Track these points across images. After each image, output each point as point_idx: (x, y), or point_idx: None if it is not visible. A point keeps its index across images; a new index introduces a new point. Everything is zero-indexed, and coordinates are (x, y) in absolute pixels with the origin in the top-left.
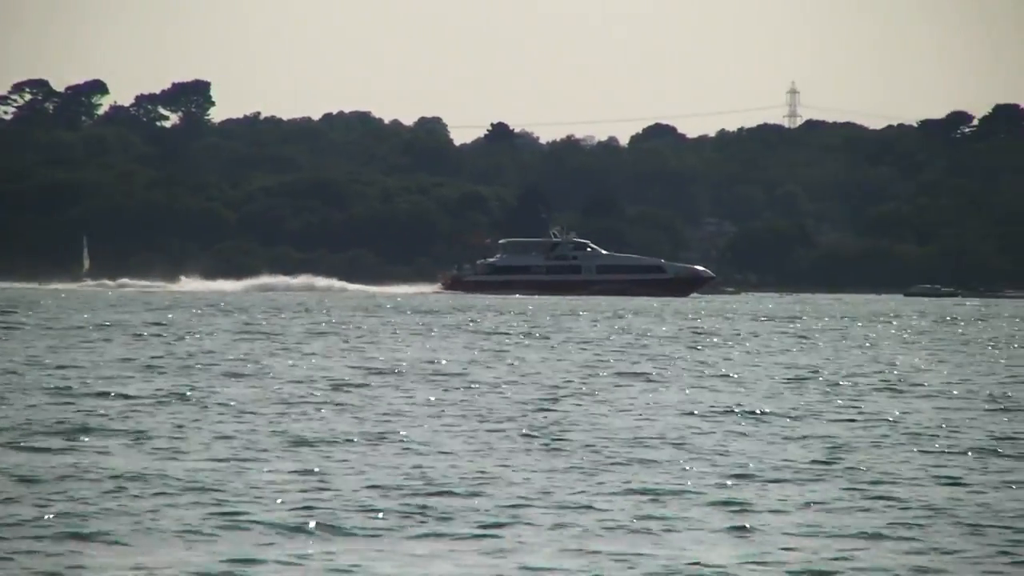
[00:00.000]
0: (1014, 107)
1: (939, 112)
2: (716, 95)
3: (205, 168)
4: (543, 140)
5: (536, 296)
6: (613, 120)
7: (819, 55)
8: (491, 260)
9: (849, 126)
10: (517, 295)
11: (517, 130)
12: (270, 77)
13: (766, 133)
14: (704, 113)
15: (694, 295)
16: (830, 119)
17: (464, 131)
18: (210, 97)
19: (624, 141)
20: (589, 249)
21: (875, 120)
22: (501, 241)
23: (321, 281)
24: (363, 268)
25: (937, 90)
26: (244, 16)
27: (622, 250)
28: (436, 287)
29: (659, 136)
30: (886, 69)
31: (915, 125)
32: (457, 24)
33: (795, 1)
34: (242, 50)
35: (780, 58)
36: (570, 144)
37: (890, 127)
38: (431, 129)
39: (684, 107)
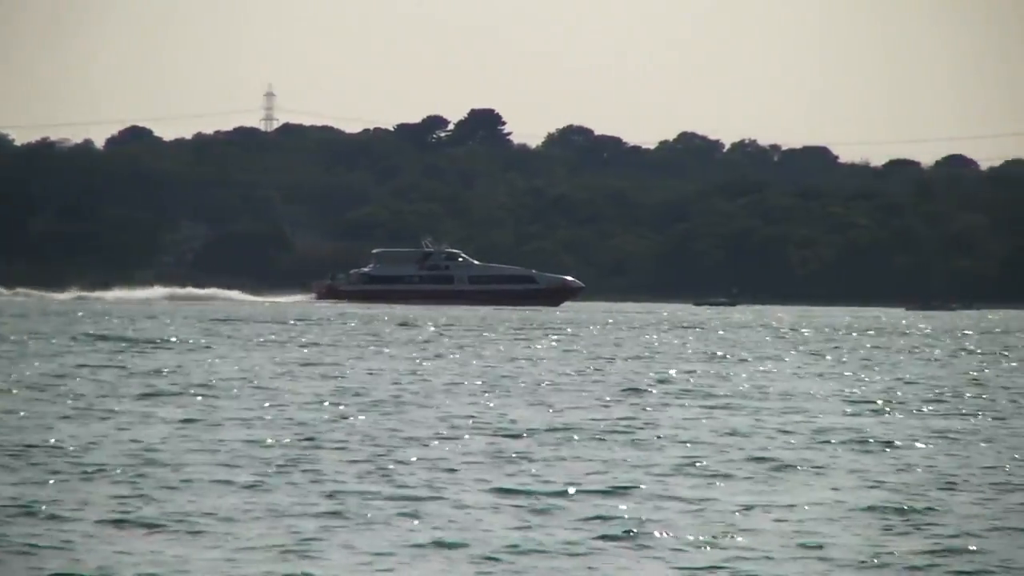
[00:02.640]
0: (488, 111)
1: (415, 116)
2: (192, 98)
3: None
4: (18, 142)
5: (411, 306)
6: (89, 122)
7: (296, 58)
8: (365, 270)
9: (326, 129)
10: (394, 304)
11: None
12: None
13: (242, 136)
14: (180, 116)
15: (565, 304)
16: (307, 122)
17: None
18: None
19: (100, 143)
20: (461, 259)
21: (352, 124)
22: (374, 251)
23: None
24: None
25: (413, 94)
26: None
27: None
28: (310, 296)
29: (135, 139)
30: (363, 73)
31: (391, 129)
32: None
33: (274, 4)
34: None
35: (256, 61)
36: (45, 146)
37: (367, 131)
38: None
39: (160, 110)
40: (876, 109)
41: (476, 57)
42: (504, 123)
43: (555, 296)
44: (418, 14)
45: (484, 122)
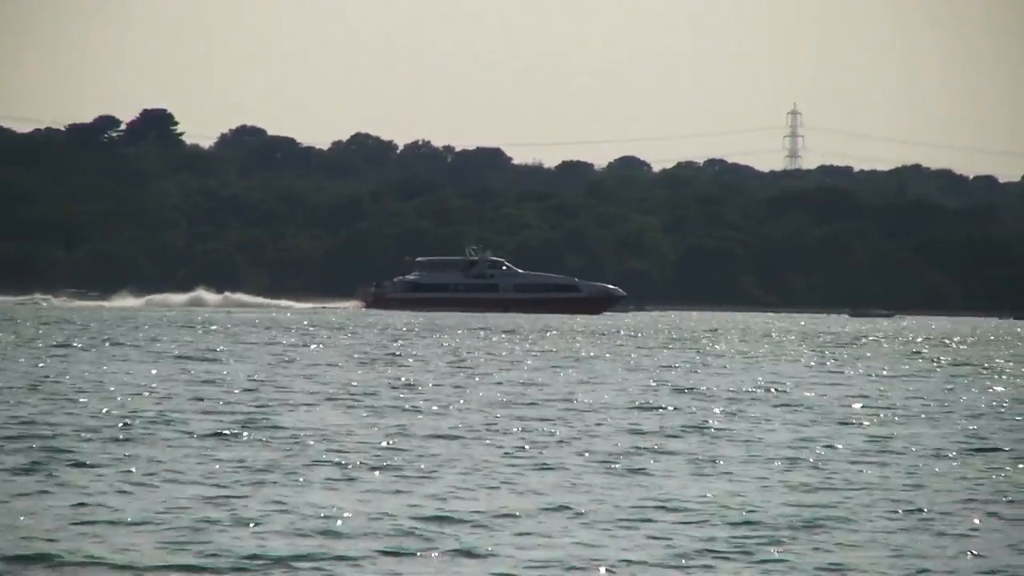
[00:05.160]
0: (161, 111)
1: (87, 116)
2: None
3: None
4: None
5: (457, 313)
6: None
7: None
8: (410, 278)
9: None
10: (439, 312)
11: None
12: None
13: None
14: None
15: (607, 313)
16: None
17: None
18: None
19: None
20: (505, 267)
21: (21, 124)
22: (418, 259)
23: (241, 296)
24: None
25: (84, 94)
26: None
27: None
28: (357, 303)
29: None
30: (33, 72)
31: (63, 129)
32: None
33: None
34: None
35: None
36: None
37: (37, 130)
38: None
39: None
40: (549, 111)
41: (149, 56)
42: (177, 123)
43: (598, 304)
44: (88, 10)
45: (156, 122)
